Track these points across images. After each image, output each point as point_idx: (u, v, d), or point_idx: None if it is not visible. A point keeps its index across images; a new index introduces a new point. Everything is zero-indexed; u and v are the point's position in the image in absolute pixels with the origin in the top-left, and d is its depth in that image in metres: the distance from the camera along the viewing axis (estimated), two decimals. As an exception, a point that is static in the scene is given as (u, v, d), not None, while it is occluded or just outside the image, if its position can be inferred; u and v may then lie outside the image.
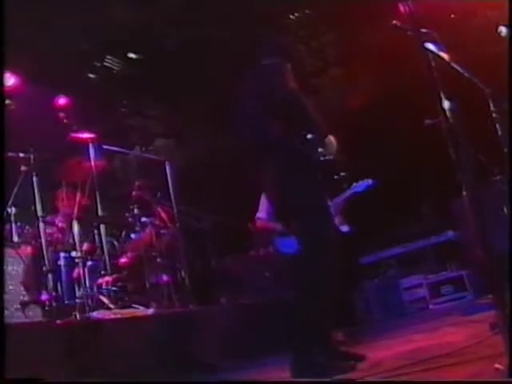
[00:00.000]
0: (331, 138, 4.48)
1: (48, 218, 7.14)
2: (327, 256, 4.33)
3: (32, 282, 6.30)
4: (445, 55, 3.56)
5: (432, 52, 3.11)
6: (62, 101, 9.51)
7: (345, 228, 6.99)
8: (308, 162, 4.41)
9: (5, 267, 5.77)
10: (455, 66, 3.86)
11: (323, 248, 4.34)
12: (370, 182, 7.20)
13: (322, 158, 4.42)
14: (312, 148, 4.42)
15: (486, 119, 4.37)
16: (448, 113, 2.83)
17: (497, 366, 2.63)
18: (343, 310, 8.42)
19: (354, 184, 7.18)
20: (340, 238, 6.31)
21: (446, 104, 2.85)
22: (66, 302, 6.84)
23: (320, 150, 4.42)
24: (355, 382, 3.39)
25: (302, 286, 4.38)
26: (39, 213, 6.68)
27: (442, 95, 2.83)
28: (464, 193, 2.76)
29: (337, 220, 6.88)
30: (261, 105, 4.45)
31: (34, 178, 6.75)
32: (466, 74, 4.07)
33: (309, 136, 4.42)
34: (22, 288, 5.99)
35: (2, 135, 4.98)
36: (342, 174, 4.81)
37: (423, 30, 3.08)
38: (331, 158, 4.48)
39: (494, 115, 4.32)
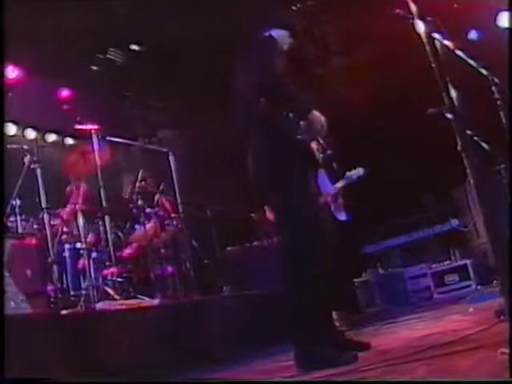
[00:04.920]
0: (317, 115, 4.36)
1: (52, 210, 7.17)
2: (308, 235, 4.29)
3: (37, 274, 6.32)
4: (449, 43, 3.55)
5: (437, 40, 3.10)
6: (65, 93, 9.57)
7: (342, 216, 6.99)
8: (287, 140, 4.35)
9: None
10: (460, 53, 3.85)
11: (303, 226, 4.31)
12: (360, 172, 7.20)
13: (300, 137, 4.38)
14: (292, 126, 4.36)
15: (491, 107, 4.37)
16: (453, 101, 2.84)
17: (502, 350, 2.64)
18: (346, 299, 8.45)
19: (347, 173, 7.18)
20: (335, 223, 6.32)
21: (453, 92, 2.85)
22: (72, 293, 6.87)
23: (301, 127, 4.37)
24: (350, 382, 3.38)
25: (293, 273, 4.34)
26: (43, 204, 6.70)
27: (449, 84, 2.84)
28: (469, 181, 2.77)
29: (333, 207, 6.89)
30: (248, 79, 4.45)
31: (38, 170, 6.76)
32: (470, 62, 4.06)
33: (290, 115, 4.39)
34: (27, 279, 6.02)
35: (2, 131, 4.99)
36: (329, 152, 4.77)
37: (428, 19, 3.08)
38: (312, 136, 4.45)
39: (498, 103, 4.31)
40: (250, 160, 4.50)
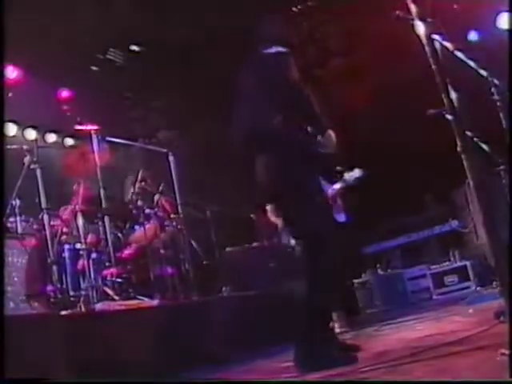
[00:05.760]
0: (331, 133, 4.46)
1: (52, 210, 7.17)
2: (325, 246, 4.32)
3: (37, 274, 6.32)
4: (449, 44, 3.55)
5: (437, 41, 3.10)
6: (65, 93, 9.58)
7: (341, 217, 6.98)
8: (306, 153, 4.43)
9: (10, 259, 5.79)
10: (459, 55, 3.86)
11: (321, 238, 4.33)
12: (358, 173, 7.19)
13: (320, 151, 4.44)
14: (311, 140, 4.45)
15: (491, 108, 4.37)
16: (453, 102, 2.84)
17: (502, 351, 2.65)
18: (346, 300, 8.45)
19: (345, 174, 7.18)
20: (337, 226, 6.33)
21: (453, 94, 2.86)
22: (71, 293, 6.87)
23: (319, 142, 4.44)
24: (350, 382, 3.39)
25: (304, 277, 4.37)
26: (43, 205, 6.70)
27: (449, 85, 2.85)
28: (470, 182, 2.78)
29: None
30: (261, 94, 4.45)
31: (38, 171, 6.76)
32: (470, 63, 4.06)
33: (309, 129, 4.45)
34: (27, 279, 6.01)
35: (2, 131, 4.99)
36: (339, 168, 4.83)
37: (428, 20, 3.09)
38: (329, 151, 4.50)
39: (498, 104, 4.31)
40: (261, 169, 4.50)
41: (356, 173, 7.19)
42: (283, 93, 4.37)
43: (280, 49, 4.59)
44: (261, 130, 4.46)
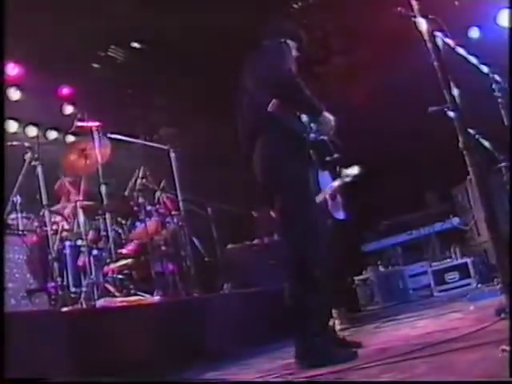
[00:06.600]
0: (328, 116, 4.45)
1: (53, 207, 7.18)
2: (312, 236, 4.32)
3: (38, 271, 6.32)
4: (450, 41, 3.55)
5: (438, 38, 3.10)
6: (66, 90, 9.60)
7: (340, 215, 6.96)
8: (299, 141, 4.44)
9: (11, 255, 5.80)
10: (461, 51, 3.86)
11: (307, 227, 4.34)
12: (356, 170, 7.18)
13: (313, 138, 4.46)
14: (304, 127, 4.49)
15: (492, 105, 4.37)
16: (455, 99, 2.85)
17: (503, 347, 2.65)
18: (347, 297, 8.46)
19: (344, 171, 7.16)
20: (333, 222, 6.32)
21: (455, 90, 2.86)
22: (72, 290, 6.86)
23: (313, 129, 4.46)
24: (348, 382, 3.38)
25: (295, 271, 4.37)
26: (44, 201, 6.70)
27: (451, 81, 2.85)
28: (471, 179, 2.78)
29: (330, 206, 6.87)
30: (259, 81, 4.49)
31: (39, 167, 6.76)
32: (471, 60, 4.07)
33: (303, 116, 4.49)
34: (28, 276, 6.01)
35: (3, 128, 4.99)
36: (336, 155, 4.83)
37: (429, 17, 3.09)
38: (324, 138, 4.50)
39: (499, 100, 4.32)
40: (256, 159, 4.51)
41: (355, 170, 7.18)
42: (276, 79, 4.39)
43: (280, 39, 4.64)
44: (257, 115, 4.49)
